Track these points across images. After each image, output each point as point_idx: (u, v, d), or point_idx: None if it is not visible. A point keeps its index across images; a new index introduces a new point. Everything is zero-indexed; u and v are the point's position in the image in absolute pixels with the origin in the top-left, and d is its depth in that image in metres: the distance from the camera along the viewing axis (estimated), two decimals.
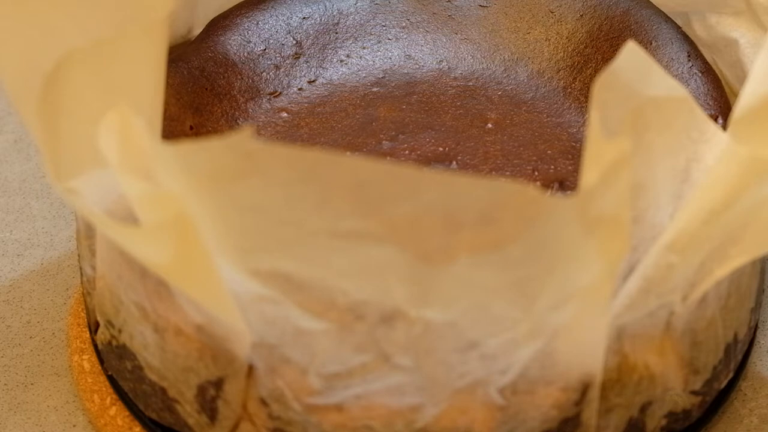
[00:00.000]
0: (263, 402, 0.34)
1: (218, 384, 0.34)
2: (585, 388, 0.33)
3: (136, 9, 0.32)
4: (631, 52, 0.31)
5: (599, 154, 0.29)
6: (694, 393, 0.37)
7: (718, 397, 0.39)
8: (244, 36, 0.47)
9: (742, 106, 0.32)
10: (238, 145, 0.27)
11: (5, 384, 0.42)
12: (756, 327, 0.42)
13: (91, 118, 0.31)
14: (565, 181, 0.42)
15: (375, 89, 0.46)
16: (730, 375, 0.39)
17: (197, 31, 0.48)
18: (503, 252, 0.28)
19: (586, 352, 0.33)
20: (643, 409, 0.35)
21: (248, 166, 0.27)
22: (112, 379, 0.40)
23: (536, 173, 0.42)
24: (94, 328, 0.40)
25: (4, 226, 0.49)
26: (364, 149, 0.44)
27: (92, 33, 0.32)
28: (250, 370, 0.34)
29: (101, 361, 0.40)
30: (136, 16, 0.32)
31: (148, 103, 0.33)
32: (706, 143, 0.34)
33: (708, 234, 0.32)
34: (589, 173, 0.29)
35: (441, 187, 0.27)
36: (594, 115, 0.29)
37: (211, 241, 0.30)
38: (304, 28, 0.48)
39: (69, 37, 0.31)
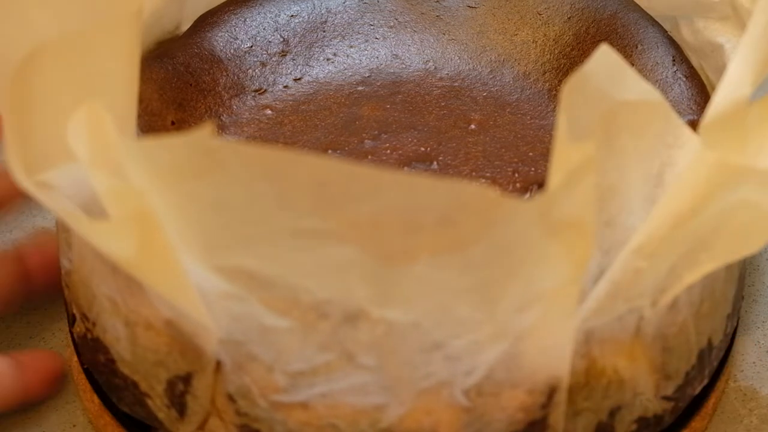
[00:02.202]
0: (231, 398, 0.34)
1: (187, 379, 0.35)
2: (552, 392, 0.33)
3: (109, 1, 0.32)
4: (604, 55, 0.30)
5: (565, 158, 0.28)
6: (666, 398, 0.37)
7: (694, 403, 0.39)
8: (231, 33, 0.47)
9: (712, 111, 0.32)
10: (198, 142, 0.27)
11: None
12: (734, 333, 0.42)
13: (63, 110, 0.31)
14: (545, 184, 0.42)
15: (360, 88, 0.46)
16: (705, 381, 0.39)
17: (185, 27, 0.48)
18: (464, 254, 0.28)
19: (552, 355, 0.33)
20: (612, 413, 0.35)
21: (209, 163, 0.27)
22: (87, 372, 0.40)
23: (516, 175, 0.42)
24: (71, 321, 0.40)
25: (4, 226, 0.49)
26: (346, 148, 0.44)
27: (65, 25, 0.32)
28: (218, 366, 0.34)
29: (78, 354, 0.41)
30: (108, 8, 0.32)
31: (121, 97, 0.33)
32: (681, 148, 0.34)
33: (677, 239, 0.32)
34: (555, 176, 0.29)
35: (401, 188, 0.27)
36: (562, 118, 0.29)
37: (175, 237, 0.30)
38: (292, 26, 0.48)
39: (41, 29, 0.31)
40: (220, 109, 0.45)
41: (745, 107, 0.31)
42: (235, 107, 0.45)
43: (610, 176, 0.32)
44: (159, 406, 0.36)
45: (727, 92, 0.32)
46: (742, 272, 0.41)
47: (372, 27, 0.48)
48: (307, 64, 0.47)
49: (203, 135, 0.26)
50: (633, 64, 0.43)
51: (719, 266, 0.33)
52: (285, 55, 0.47)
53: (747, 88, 0.31)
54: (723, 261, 0.33)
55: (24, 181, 0.31)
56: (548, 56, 0.46)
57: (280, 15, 0.48)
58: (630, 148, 0.33)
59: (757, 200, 0.31)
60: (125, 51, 0.33)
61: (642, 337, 0.35)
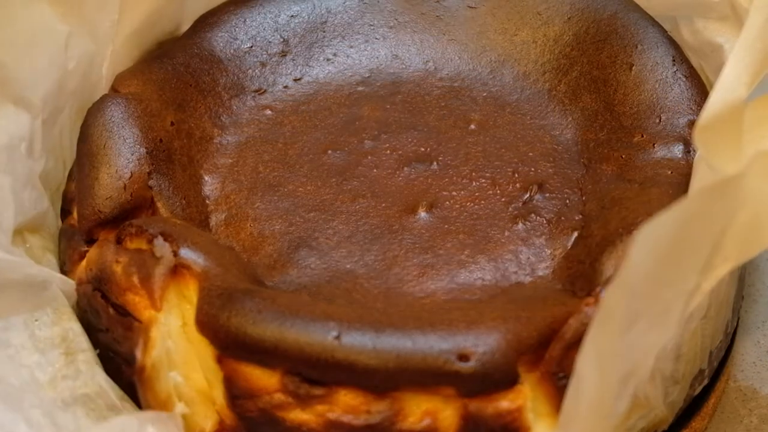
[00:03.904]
0: None
1: None
2: None
3: None
4: None
5: None
6: (671, 403, 0.37)
7: (694, 403, 0.39)
8: (231, 33, 0.47)
9: (706, 112, 0.32)
10: None
11: None
12: (734, 333, 0.42)
13: None
14: (544, 184, 0.42)
15: (360, 88, 0.46)
16: (705, 381, 0.39)
17: (185, 27, 0.48)
18: None
19: None
20: (630, 429, 0.35)
21: None
22: None
23: (516, 175, 0.42)
24: None
25: None
26: (346, 148, 0.44)
27: None
28: None
29: None
30: None
31: None
32: None
33: None
34: None
35: None
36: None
37: None
38: (292, 26, 0.48)
39: None
40: (220, 110, 0.45)
41: (741, 109, 0.31)
42: (234, 107, 0.45)
43: None
44: None
45: (722, 94, 0.31)
46: (742, 273, 0.41)
47: (372, 27, 0.48)
48: (307, 65, 0.47)
49: None
50: (633, 64, 0.43)
51: (734, 267, 0.32)
52: (285, 56, 0.47)
53: (743, 89, 0.31)
54: (736, 261, 0.32)
55: None
56: (548, 56, 0.46)
57: (280, 15, 0.48)
58: None
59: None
60: None
61: (660, 353, 0.34)
